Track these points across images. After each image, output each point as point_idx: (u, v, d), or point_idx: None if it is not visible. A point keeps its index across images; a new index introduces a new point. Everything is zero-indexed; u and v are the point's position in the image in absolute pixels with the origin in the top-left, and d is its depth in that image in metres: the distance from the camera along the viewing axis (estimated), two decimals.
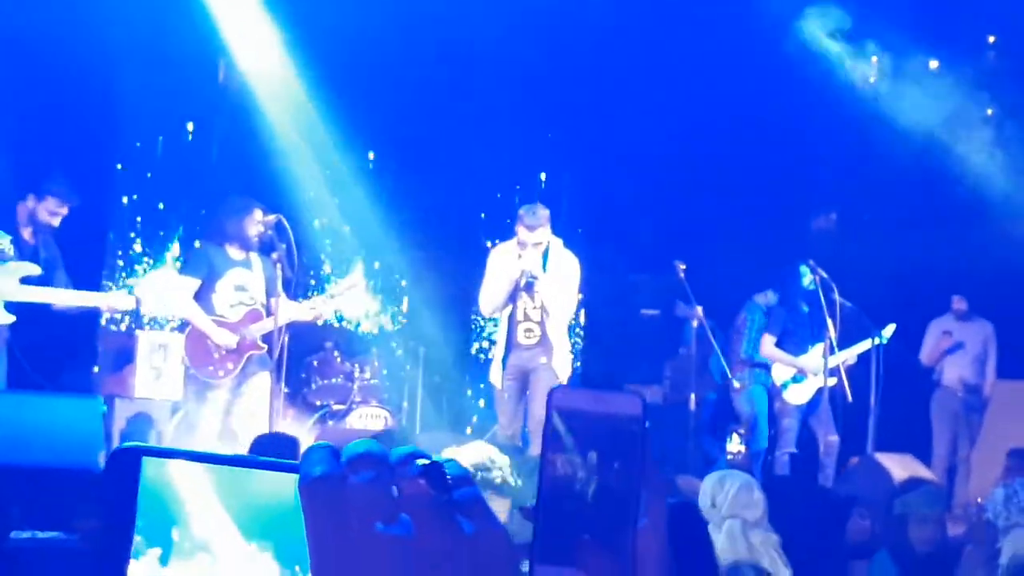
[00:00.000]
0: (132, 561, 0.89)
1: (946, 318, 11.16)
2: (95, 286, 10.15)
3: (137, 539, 0.89)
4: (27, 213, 8.29)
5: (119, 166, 11.77)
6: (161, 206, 11.87)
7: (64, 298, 8.20)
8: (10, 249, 8.04)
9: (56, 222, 8.37)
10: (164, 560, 0.91)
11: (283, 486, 0.90)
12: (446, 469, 0.87)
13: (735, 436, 11.08)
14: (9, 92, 9.91)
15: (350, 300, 8.99)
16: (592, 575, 1.03)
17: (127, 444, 0.91)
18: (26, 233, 8.28)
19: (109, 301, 8.51)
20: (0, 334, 8.18)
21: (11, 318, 8.04)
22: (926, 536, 5.79)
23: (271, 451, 5.62)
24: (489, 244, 10.56)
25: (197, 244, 8.82)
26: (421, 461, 0.86)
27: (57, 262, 8.39)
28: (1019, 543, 4.88)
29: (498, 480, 5.15)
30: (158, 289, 8.79)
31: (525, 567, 1.07)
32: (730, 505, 4.89)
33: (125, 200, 11.82)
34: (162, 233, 11.92)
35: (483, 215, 12.98)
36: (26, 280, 8.03)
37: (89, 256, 9.49)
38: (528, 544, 1.05)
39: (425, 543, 0.83)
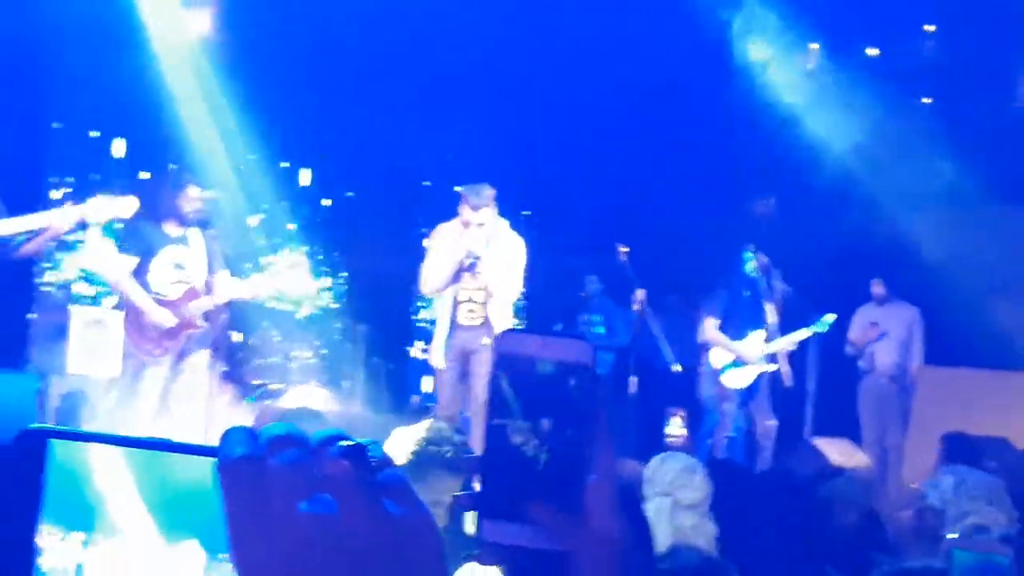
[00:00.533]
0: (55, 544, 0.85)
1: (866, 308, 11.20)
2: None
3: (52, 526, 0.85)
4: None
5: (55, 124, 11.52)
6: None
7: (8, 226, 7.86)
8: None
9: None
10: (86, 544, 0.87)
11: (202, 469, 0.86)
12: (370, 451, 0.84)
13: (675, 419, 11.10)
14: None
15: (291, 279, 8.88)
16: (541, 530, 1.03)
17: (33, 426, 0.86)
18: None
19: (56, 217, 7.93)
20: None
21: None
22: (850, 523, 5.79)
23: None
24: (425, 231, 10.55)
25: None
26: (344, 443, 0.83)
27: None
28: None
29: (450, 456, 5.13)
30: (94, 264, 8.62)
31: (470, 523, 1.04)
32: (668, 483, 4.89)
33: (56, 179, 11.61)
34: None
35: (426, 183, 12.87)
36: None
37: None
38: (471, 498, 1.02)
39: (350, 524, 0.80)
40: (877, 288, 11.09)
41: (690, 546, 4.58)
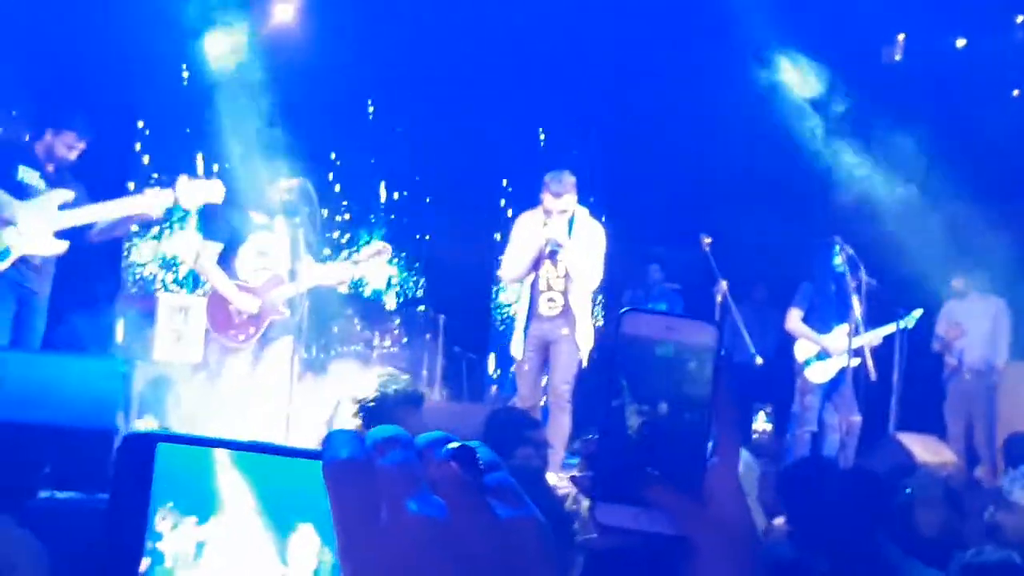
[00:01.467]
0: (171, 528, 0.86)
1: (954, 302, 11.03)
2: (117, 246, 10.11)
3: (169, 510, 0.86)
4: (45, 149, 8.09)
5: (140, 124, 11.71)
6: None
7: (104, 211, 8.01)
8: (41, 184, 7.96)
9: (73, 156, 8.13)
10: (200, 523, 0.88)
11: (306, 472, 0.87)
12: (478, 453, 0.83)
13: (761, 414, 10.99)
14: (29, 35, 9.89)
15: (374, 267, 8.92)
16: (658, 514, 1.02)
17: (140, 430, 0.87)
18: (49, 168, 8.08)
19: (148, 201, 8.06)
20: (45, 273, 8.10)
21: (65, 244, 7.92)
22: (932, 519, 5.70)
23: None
24: (510, 213, 10.56)
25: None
26: (452, 444, 0.83)
27: (83, 194, 8.25)
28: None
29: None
30: (183, 251, 8.74)
31: (584, 506, 1.02)
32: None
33: (147, 160, 11.77)
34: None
35: (505, 182, 12.89)
36: (64, 207, 7.96)
37: None
38: (587, 480, 1.01)
39: (459, 527, 0.80)
40: (957, 284, 10.93)
41: (779, 542, 4.49)
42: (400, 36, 11.53)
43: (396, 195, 13.10)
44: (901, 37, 12.94)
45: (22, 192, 7.82)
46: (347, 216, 12.40)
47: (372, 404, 4.44)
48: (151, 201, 8.03)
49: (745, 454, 4.99)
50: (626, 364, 1.04)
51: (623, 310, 1.07)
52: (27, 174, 7.90)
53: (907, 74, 12.64)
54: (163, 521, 0.88)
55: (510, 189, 12.23)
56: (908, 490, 5.77)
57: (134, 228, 8.29)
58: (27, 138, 8.27)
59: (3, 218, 7.69)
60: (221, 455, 0.89)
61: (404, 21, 11.50)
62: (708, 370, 1.04)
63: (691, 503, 1.03)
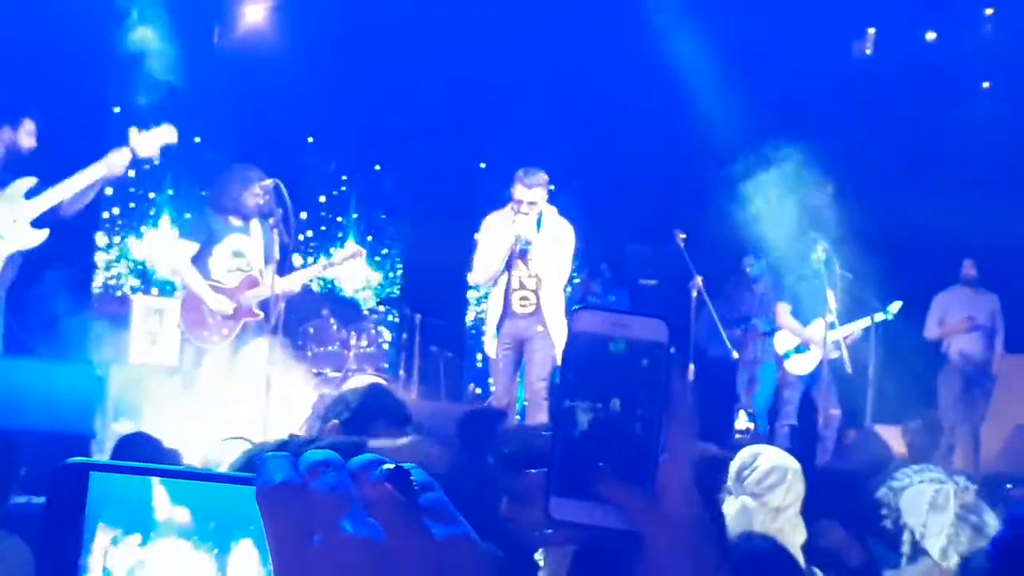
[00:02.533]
0: (110, 546, 0.86)
1: (951, 292, 11.04)
2: (89, 249, 10.08)
3: (108, 527, 0.86)
4: (4, 144, 8.06)
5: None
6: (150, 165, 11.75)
7: (69, 186, 7.98)
8: None
9: (32, 143, 8.11)
10: (143, 544, 0.88)
11: (242, 494, 0.86)
12: (412, 475, 0.83)
13: (742, 413, 11.01)
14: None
15: (348, 270, 8.93)
16: (612, 509, 1.04)
17: (72, 460, 0.88)
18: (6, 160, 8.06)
19: (108, 162, 8.08)
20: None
21: (45, 232, 7.91)
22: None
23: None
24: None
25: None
26: (386, 467, 0.83)
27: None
28: None
29: None
30: (157, 250, 8.71)
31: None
32: (757, 484, 4.66)
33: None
34: (152, 195, 11.84)
35: (482, 166, 12.86)
36: (29, 194, 7.90)
37: (81, 220, 9.31)
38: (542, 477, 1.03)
39: (394, 547, 0.80)
40: (969, 270, 10.92)
41: (764, 536, 4.37)
42: (376, 35, 11.52)
43: (371, 194, 13.10)
44: (871, 31, 13.00)
45: None
46: (322, 215, 12.38)
47: (355, 409, 4.32)
48: (111, 161, 8.06)
49: (794, 464, 4.84)
50: (578, 361, 1.05)
51: (575, 307, 1.08)
52: None
53: (877, 68, 12.70)
54: (100, 545, 0.88)
55: (486, 187, 12.19)
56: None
57: (108, 191, 8.19)
58: None
59: None
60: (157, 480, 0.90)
61: (379, 21, 11.49)
62: (660, 366, 1.05)
63: (643, 498, 1.04)
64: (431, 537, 0.81)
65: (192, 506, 0.89)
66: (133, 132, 8.19)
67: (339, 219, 12.48)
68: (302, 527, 0.80)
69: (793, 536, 4.64)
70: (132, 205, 11.78)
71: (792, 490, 4.71)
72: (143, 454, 5.49)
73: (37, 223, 7.85)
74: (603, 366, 1.05)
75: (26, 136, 8.06)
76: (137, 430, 5.87)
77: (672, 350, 1.05)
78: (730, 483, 4.65)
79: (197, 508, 0.89)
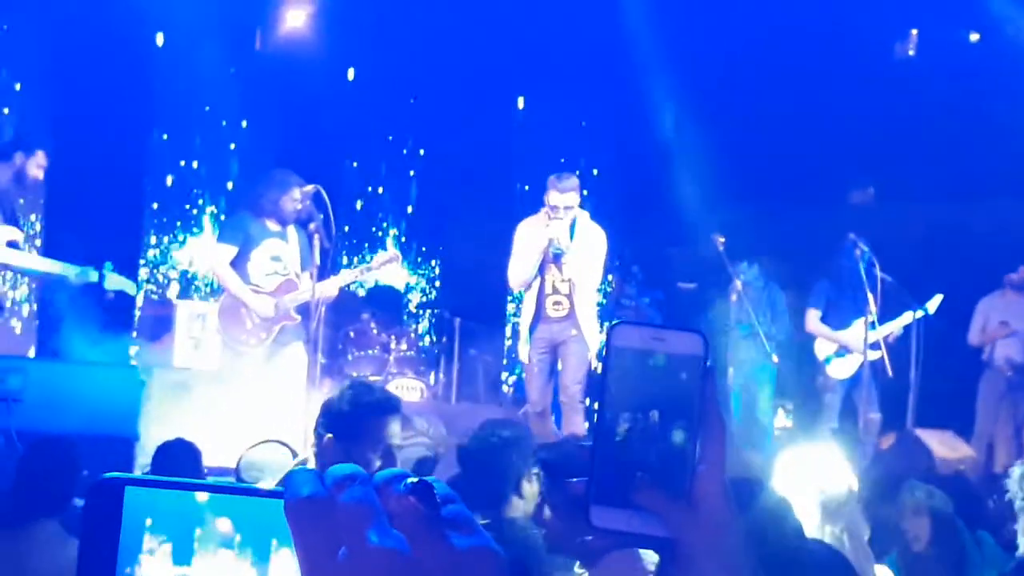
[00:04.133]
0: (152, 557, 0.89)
1: (994, 297, 10.87)
2: (134, 253, 10.18)
3: (152, 536, 0.89)
4: (13, 172, 8.03)
5: (165, 136, 11.79)
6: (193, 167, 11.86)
7: (34, 262, 8.06)
8: None
9: (41, 176, 8.14)
10: (184, 558, 0.91)
11: (277, 510, 0.88)
12: (435, 488, 0.86)
13: (781, 411, 10.95)
14: (46, 51, 9.94)
15: (386, 274, 8.97)
16: (650, 517, 1.08)
17: (109, 475, 0.90)
18: (10, 195, 8.09)
19: (70, 271, 8.06)
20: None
21: None
22: (922, 533, 5.56)
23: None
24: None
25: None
26: (409, 480, 0.86)
27: (31, 224, 8.24)
28: None
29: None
30: (198, 255, 8.77)
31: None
32: (808, 480, 4.65)
33: (170, 177, 11.85)
34: (198, 204, 11.94)
35: (523, 185, 12.89)
36: (11, 244, 7.89)
37: (126, 226, 9.45)
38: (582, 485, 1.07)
39: (419, 559, 0.83)
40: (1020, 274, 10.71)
41: (818, 540, 4.30)
42: (415, 39, 11.56)
43: (412, 199, 13.13)
44: (914, 32, 12.91)
45: None
46: (360, 220, 12.44)
47: (346, 415, 4.21)
48: (72, 273, 8.03)
49: (829, 451, 4.77)
50: (618, 375, 1.09)
51: (613, 323, 1.12)
52: None
53: (920, 69, 12.60)
54: (146, 555, 0.90)
55: (527, 188, 12.21)
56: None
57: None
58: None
59: None
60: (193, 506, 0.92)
61: (419, 24, 11.53)
62: (697, 379, 1.09)
63: (681, 506, 1.08)
64: (454, 548, 0.83)
65: (233, 517, 0.91)
66: (108, 271, 8.28)
67: (377, 225, 12.53)
68: (329, 539, 0.83)
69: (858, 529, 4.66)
70: (188, 207, 11.89)
71: (845, 484, 4.71)
72: (182, 462, 5.56)
73: None
74: (642, 379, 1.09)
75: (35, 167, 8.05)
76: (177, 437, 5.92)
77: (708, 363, 1.09)
78: (774, 481, 4.60)
79: (238, 519, 0.91)
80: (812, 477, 4.66)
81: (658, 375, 1.09)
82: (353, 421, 4.17)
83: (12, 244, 7.90)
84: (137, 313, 10.29)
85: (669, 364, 1.09)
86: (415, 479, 0.86)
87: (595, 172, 12.47)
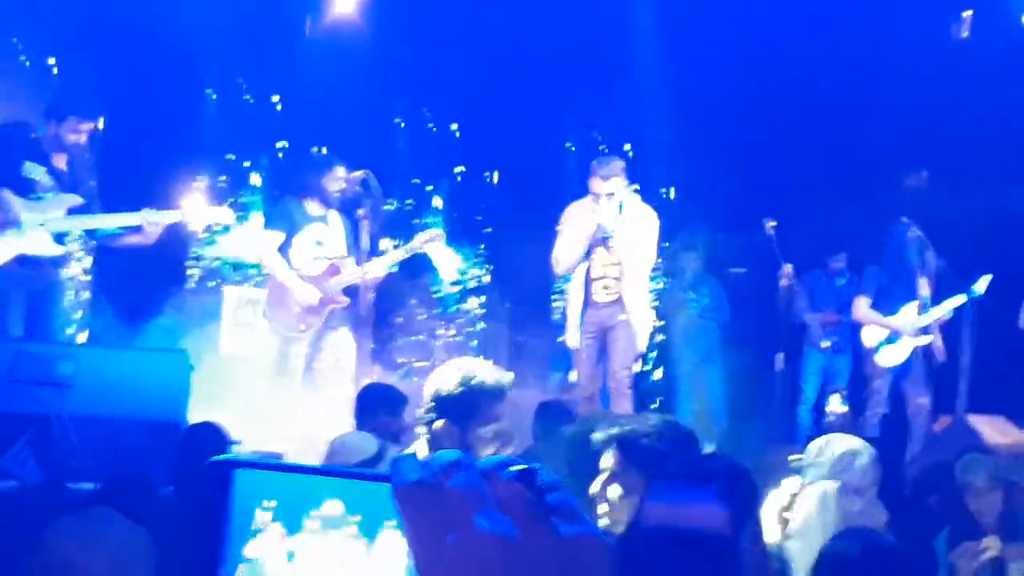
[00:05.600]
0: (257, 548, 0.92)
1: None
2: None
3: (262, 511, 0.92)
4: (53, 140, 7.97)
5: (215, 104, 11.85)
6: (246, 164, 11.92)
7: (108, 222, 7.97)
8: (47, 180, 7.88)
9: (83, 139, 8.03)
10: (291, 556, 0.93)
11: (383, 492, 0.91)
12: (539, 475, 0.88)
13: (835, 397, 10.87)
14: (90, 36, 10.01)
15: (432, 252, 8.99)
16: None
17: (220, 457, 0.92)
18: (59, 161, 7.99)
19: (154, 218, 7.99)
20: (57, 284, 8.14)
21: (62, 249, 7.91)
22: (984, 507, 5.59)
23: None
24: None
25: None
26: (515, 467, 0.88)
27: (89, 188, 8.10)
28: None
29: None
30: (244, 242, 8.80)
31: None
32: (831, 466, 4.64)
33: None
34: (247, 190, 12.02)
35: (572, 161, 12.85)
36: (72, 211, 7.89)
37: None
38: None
39: (525, 543, 0.84)
40: None
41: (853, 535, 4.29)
42: (462, 23, 11.55)
43: (459, 184, 13.14)
44: (967, 14, 12.73)
45: (28, 188, 7.79)
46: (409, 203, 12.45)
47: (458, 398, 4.11)
48: (155, 217, 8.00)
49: (867, 447, 4.79)
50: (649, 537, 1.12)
51: (652, 480, 1.15)
52: (33, 170, 7.86)
53: (974, 51, 12.44)
54: (260, 532, 0.93)
55: (573, 176, 12.16)
56: None
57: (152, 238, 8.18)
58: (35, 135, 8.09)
59: (9, 219, 7.65)
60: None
61: (468, 10, 11.52)
62: (718, 556, 1.12)
63: None
64: (559, 534, 0.86)
65: (343, 498, 0.95)
66: (190, 202, 8.26)
67: (425, 210, 12.55)
68: (438, 523, 0.85)
69: (874, 519, 4.63)
70: (235, 194, 11.98)
71: (869, 472, 4.69)
72: (211, 444, 5.60)
73: (59, 238, 7.92)
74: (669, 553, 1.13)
75: (70, 133, 7.95)
76: (204, 420, 5.98)
77: (726, 534, 1.12)
78: (806, 470, 4.62)
79: (347, 500, 0.95)
80: (835, 465, 4.65)
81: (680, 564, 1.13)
82: (466, 403, 4.11)
83: (74, 211, 7.95)
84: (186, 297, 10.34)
85: (691, 550, 1.13)
86: (521, 466, 0.88)
87: (632, 154, 12.33)
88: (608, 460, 3.59)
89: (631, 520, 3.10)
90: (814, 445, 4.81)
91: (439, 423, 4.10)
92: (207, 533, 0.91)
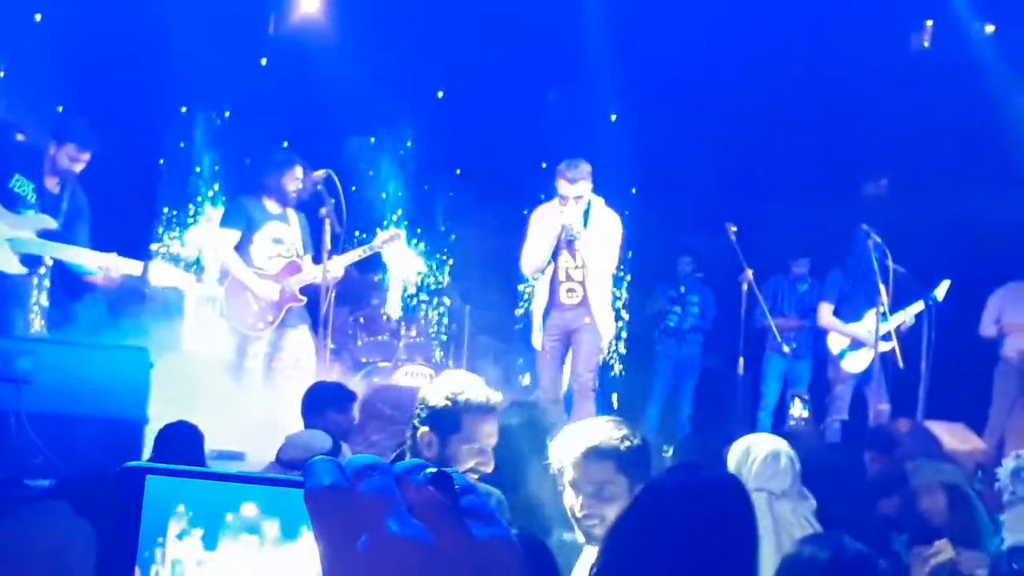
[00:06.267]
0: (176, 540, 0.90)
1: (1008, 289, 10.75)
2: (138, 240, 10.19)
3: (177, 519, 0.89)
4: (49, 160, 8.02)
5: (183, 109, 11.78)
6: (199, 169, 11.88)
7: (73, 256, 7.98)
8: (32, 197, 7.88)
9: (77, 168, 8.06)
10: (202, 563, 0.91)
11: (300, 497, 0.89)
12: (453, 478, 0.87)
13: (797, 401, 10.95)
14: (56, 42, 9.93)
15: (390, 252, 8.99)
16: None
17: (132, 464, 0.91)
18: (51, 183, 8.03)
19: (116, 264, 8.01)
20: (21, 284, 8.10)
21: (23, 270, 7.90)
22: (930, 510, 5.64)
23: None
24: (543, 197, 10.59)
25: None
26: (429, 471, 0.87)
27: (81, 214, 8.13)
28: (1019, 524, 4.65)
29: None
30: (202, 239, 8.76)
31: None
32: (755, 476, 4.63)
33: (161, 162, 11.87)
34: (211, 191, 11.96)
35: (543, 164, 12.87)
36: (43, 234, 7.89)
37: (133, 212, 9.45)
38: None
39: (439, 547, 0.83)
40: None
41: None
42: (428, 24, 11.55)
43: (423, 185, 13.14)
44: (929, 24, 12.86)
45: (10, 201, 7.79)
46: (369, 205, 12.44)
47: (444, 411, 4.18)
48: (118, 265, 7.99)
49: (784, 445, 4.80)
50: None
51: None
52: (21, 184, 7.86)
53: (935, 60, 12.56)
54: (170, 539, 0.91)
55: (543, 166, 12.16)
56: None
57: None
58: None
59: None
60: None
61: (430, 8, 11.51)
62: None
63: None
64: (473, 537, 0.84)
65: (259, 502, 0.92)
66: (155, 264, 8.27)
67: (388, 210, 12.53)
68: (349, 528, 0.84)
69: (805, 508, 4.66)
70: (197, 191, 11.92)
71: (790, 471, 4.71)
72: (185, 444, 5.55)
73: (25, 260, 7.90)
74: None
75: (66, 158, 7.97)
76: (179, 419, 5.94)
77: None
78: (751, 482, 4.59)
79: (263, 504, 0.92)
80: (760, 475, 4.64)
81: None
82: (451, 417, 4.15)
83: (44, 234, 7.90)
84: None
85: None
86: (434, 469, 0.87)
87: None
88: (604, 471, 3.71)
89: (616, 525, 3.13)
90: (735, 453, 4.77)
91: (423, 430, 4.15)
92: (117, 541, 0.90)
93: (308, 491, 0.86)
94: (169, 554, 0.90)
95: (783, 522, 4.49)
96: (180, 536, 0.90)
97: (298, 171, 8.56)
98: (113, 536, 0.90)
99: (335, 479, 0.86)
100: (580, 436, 3.83)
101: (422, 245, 12.67)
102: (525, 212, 9.16)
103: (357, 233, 11.09)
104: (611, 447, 3.75)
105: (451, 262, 12.82)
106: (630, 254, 11.32)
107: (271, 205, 8.59)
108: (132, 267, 8.09)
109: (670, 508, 2.98)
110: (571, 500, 3.78)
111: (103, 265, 7.95)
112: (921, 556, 5.01)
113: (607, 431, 3.83)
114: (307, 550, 0.90)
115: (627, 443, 3.76)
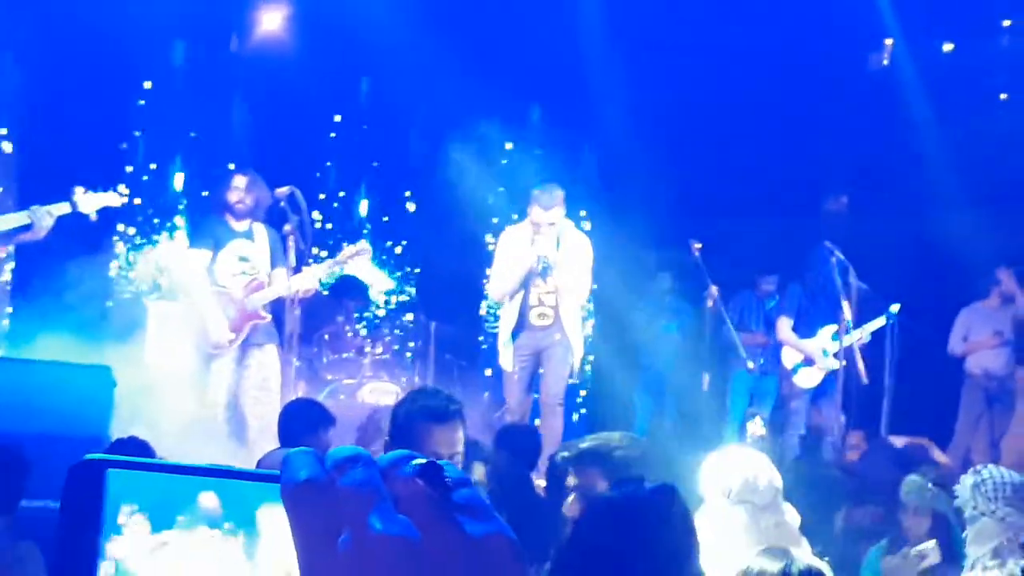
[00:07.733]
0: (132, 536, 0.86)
1: (975, 308, 10.78)
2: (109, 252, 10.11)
3: (135, 514, 0.85)
4: None
5: (137, 133, 11.71)
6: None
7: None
8: None
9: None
10: (160, 554, 0.87)
11: (269, 492, 0.84)
12: (445, 470, 0.80)
13: (757, 419, 10.94)
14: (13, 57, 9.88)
15: (355, 267, 8.96)
16: None
17: (91, 456, 0.86)
18: None
19: (38, 212, 7.89)
20: None
21: None
22: (921, 530, 5.70)
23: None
24: (495, 221, 10.59)
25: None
26: (417, 461, 0.80)
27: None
28: (984, 535, 4.66)
29: None
30: (172, 260, 8.70)
31: None
32: (739, 490, 4.54)
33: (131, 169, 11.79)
34: (174, 207, 11.88)
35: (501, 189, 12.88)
36: None
37: (102, 224, 9.32)
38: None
39: (427, 545, 0.77)
40: (1008, 282, 10.57)
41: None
42: (390, 40, 11.52)
43: (387, 203, 13.11)
44: (888, 42, 12.98)
45: None
46: (335, 221, 12.40)
47: (398, 419, 4.22)
48: (42, 211, 7.90)
49: (752, 457, 4.76)
50: None
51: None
52: None
53: (894, 79, 12.67)
54: (126, 531, 0.87)
55: (500, 189, 12.14)
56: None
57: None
58: None
59: None
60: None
61: (392, 25, 11.49)
62: None
63: None
64: (466, 534, 0.78)
65: (221, 495, 0.87)
66: (78, 192, 8.15)
67: (352, 228, 12.49)
68: (328, 525, 0.77)
69: (789, 519, 4.63)
70: (161, 210, 11.84)
71: (774, 483, 4.63)
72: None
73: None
74: None
75: None
76: (130, 435, 5.86)
77: None
78: (702, 487, 4.56)
79: (226, 498, 0.87)
80: (736, 478, 4.60)
81: None
82: (403, 425, 4.16)
83: None
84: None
85: None
86: (423, 460, 0.80)
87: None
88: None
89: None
90: (710, 464, 4.70)
91: (384, 440, 4.19)
92: (78, 537, 0.84)
93: (284, 486, 0.79)
94: (124, 548, 0.85)
95: (767, 534, 4.44)
96: (138, 530, 0.85)
97: (237, 181, 8.50)
98: (73, 532, 0.84)
99: (313, 473, 0.79)
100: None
101: (386, 258, 12.63)
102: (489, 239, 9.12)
103: (315, 250, 11.04)
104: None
105: (416, 279, 12.78)
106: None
107: (234, 223, 8.53)
108: (58, 208, 7.97)
109: (608, 523, 3.04)
110: None
111: (30, 217, 7.81)
112: (908, 558, 5.04)
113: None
114: (276, 547, 0.86)
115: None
